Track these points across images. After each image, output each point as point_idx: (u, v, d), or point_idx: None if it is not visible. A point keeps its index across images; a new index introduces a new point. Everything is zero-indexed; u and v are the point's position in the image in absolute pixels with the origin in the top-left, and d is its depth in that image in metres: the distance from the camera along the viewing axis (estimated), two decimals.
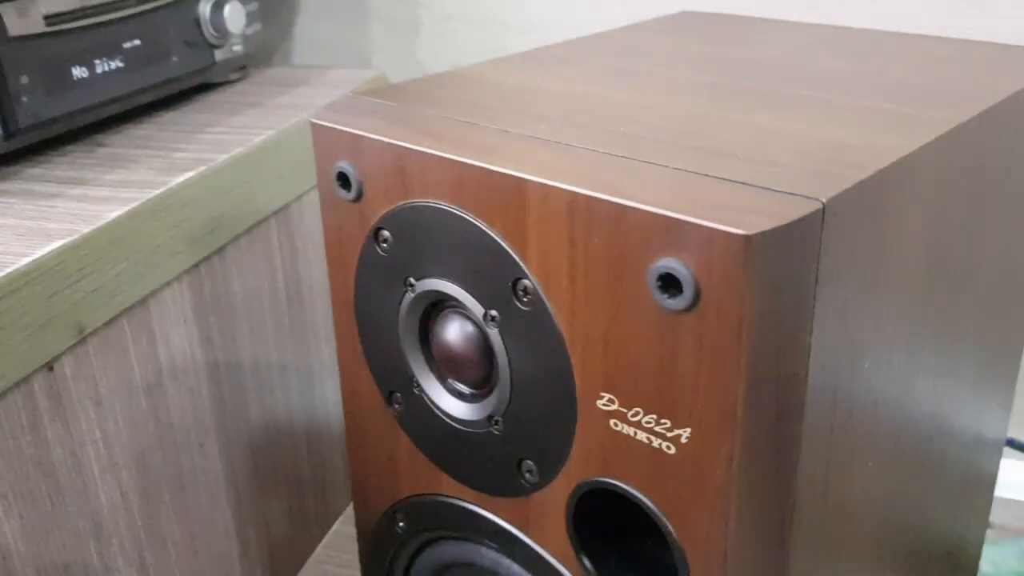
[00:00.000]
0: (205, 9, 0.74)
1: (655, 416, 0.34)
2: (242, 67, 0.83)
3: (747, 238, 0.29)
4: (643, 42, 0.55)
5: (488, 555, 0.44)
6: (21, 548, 0.46)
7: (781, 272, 0.31)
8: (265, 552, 0.68)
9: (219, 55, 0.76)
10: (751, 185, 0.32)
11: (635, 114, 0.41)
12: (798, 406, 0.34)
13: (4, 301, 0.43)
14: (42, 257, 0.45)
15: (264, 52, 1.00)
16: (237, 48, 0.78)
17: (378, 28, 0.98)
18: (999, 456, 0.60)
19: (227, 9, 0.74)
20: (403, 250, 0.41)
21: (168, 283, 0.55)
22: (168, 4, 0.69)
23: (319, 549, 0.77)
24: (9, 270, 0.44)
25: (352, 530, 0.79)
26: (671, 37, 0.56)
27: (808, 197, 0.31)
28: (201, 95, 0.77)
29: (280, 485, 0.70)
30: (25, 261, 0.45)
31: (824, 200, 0.31)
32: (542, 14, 0.91)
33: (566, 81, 0.46)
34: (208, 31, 0.74)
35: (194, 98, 0.76)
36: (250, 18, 0.79)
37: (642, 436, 0.34)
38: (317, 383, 0.74)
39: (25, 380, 0.45)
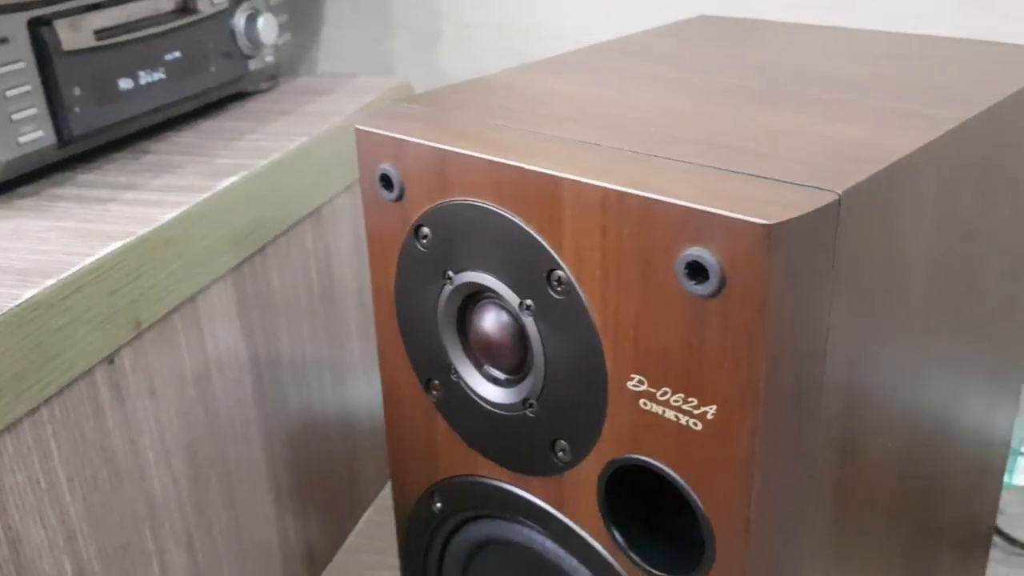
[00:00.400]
0: (240, 21, 0.77)
1: (682, 395, 0.36)
2: (273, 76, 0.86)
3: (768, 227, 0.32)
4: (663, 46, 0.58)
5: (522, 532, 0.47)
6: (85, 528, 0.49)
7: (800, 259, 0.33)
8: (302, 539, 0.71)
9: (252, 65, 0.79)
10: (771, 179, 0.35)
11: (659, 115, 0.44)
12: (816, 384, 0.36)
13: (71, 297, 0.46)
14: (104, 256, 0.49)
15: (292, 61, 1.03)
16: (269, 58, 0.82)
17: (400, 37, 1.01)
18: (1011, 430, 0.62)
19: (260, 21, 0.77)
20: (442, 245, 0.44)
21: (215, 281, 0.58)
22: (205, 18, 0.73)
23: (352, 538, 0.80)
24: (75, 268, 0.47)
25: (383, 519, 0.82)
26: (690, 41, 0.59)
27: (824, 189, 0.33)
28: (235, 104, 0.81)
29: (315, 474, 0.73)
30: (89, 260, 0.48)
31: (839, 192, 0.33)
32: (558, 20, 0.94)
33: (591, 85, 0.49)
34: (243, 42, 0.77)
35: (229, 106, 0.80)
36: (281, 29, 0.82)
37: (670, 414, 0.37)
38: (348, 377, 0.77)
39: (89, 371, 0.48)
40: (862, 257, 0.37)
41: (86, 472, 0.49)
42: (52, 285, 0.45)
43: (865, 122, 0.41)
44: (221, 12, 0.75)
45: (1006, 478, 0.81)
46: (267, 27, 0.78)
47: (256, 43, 0.78)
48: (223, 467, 0.61)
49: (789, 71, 0.51)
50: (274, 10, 0.82)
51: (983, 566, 0.65)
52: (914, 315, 0.43)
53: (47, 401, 0.46)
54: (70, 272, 0.46)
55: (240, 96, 0.82)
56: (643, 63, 0.54)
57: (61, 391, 0.46)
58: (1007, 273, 0.52)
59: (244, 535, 0.64)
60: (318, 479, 0.74)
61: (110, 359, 0.50)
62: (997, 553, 0.74)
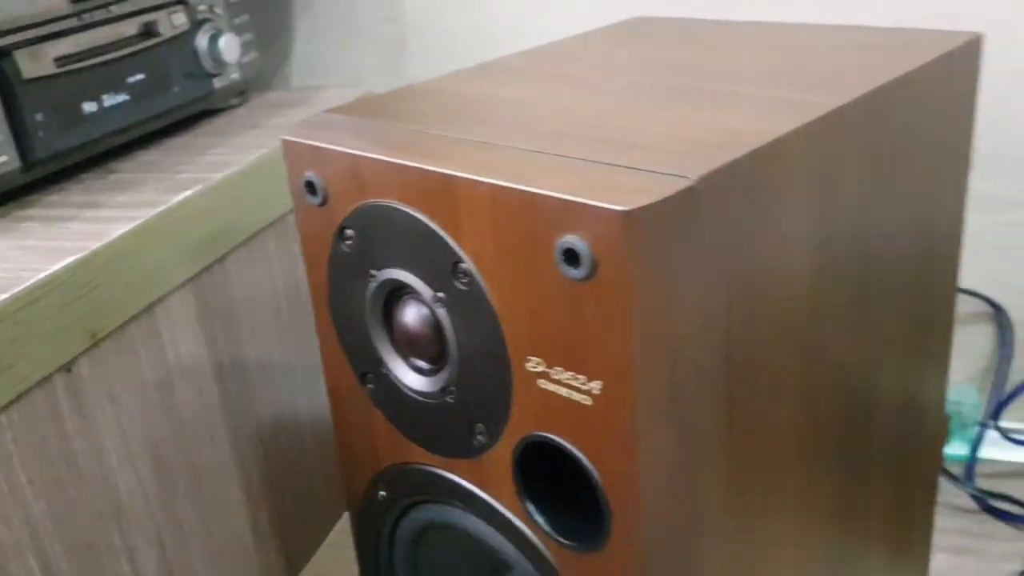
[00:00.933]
0: (202, 42, 0.80)
1: (572, 373, 0.39)
2: (241, 92, 0.89)
3: (626, 214, 0.34)
4: (590, 48, 0.60)
5: (456, 513, 0.49)
6: (50, 527, 0.52)
7: (661, 242, 0.36)
8: (278, 537, 0.74)
9: (217, 83, 0.82)
10: (640, 169, 0.37)
11: (562, 114, 0.46)
12: (694, 360, 0.39)
13: (24, 310, 0.49)
14: (56, 271, 0.52)
15: (264, 77, 1.06)
16: (234, 76, 0.85)
17: (370, 49, 1.04)
18: (942, 394, 0.63)
19: (222, 41, 0.81)
20: (364, 245, 0.46)
21: (172, 291, 0.61)
22: (168, 40, 0.76)
23: (333, 535, 0.83)
24: (27, 283, 0.50)
25: None
26: (618, 42, 0.62)
27: (681, 176, 0.36)
28: (205, 120, 0.84)
29: (290, 475, 0.76)
30: (41, 275, 0.51)
31: (694, 178, 0.36)
32: (523, 26, 0.96)
33: (512, 88, 0.52)
34: (206, 62, 0.81)
35: (198, 123, 0.83)
36: (245, 48, 0.86)
37: (564, 392, 0.40)
38: (320, 379, 0.80)
39: (47, 379, 0.51)
40: (734, 238, 0.39)
41: (48, 474, 0.52)
42: (4, 300, 0.48)
43: (749, 112, 0.43)
44: (183, 34, 0.78)
45: (963, 450, 0.82)
46: (229, 46, 0.82)
47: (219, 62, 0.81)
48: (190, 469, 0.64)
49: (701, 67, 0.53)
50: (237, 29, 0.85)
51: (928, 523, 0.67)
52: (804, 291, 0.45)
53: (5, 408, 0.49)
54: (21, 287, 0.50)
55: (210, 113, 0.85)
56: (567, 65, 0.56)
57: (19, 398, 0.50)
58: (912, 247, 0.54)
59: (216, 533, 0.67)
60: (294, 479, 0.77)
61: (67, 368, 0.53)
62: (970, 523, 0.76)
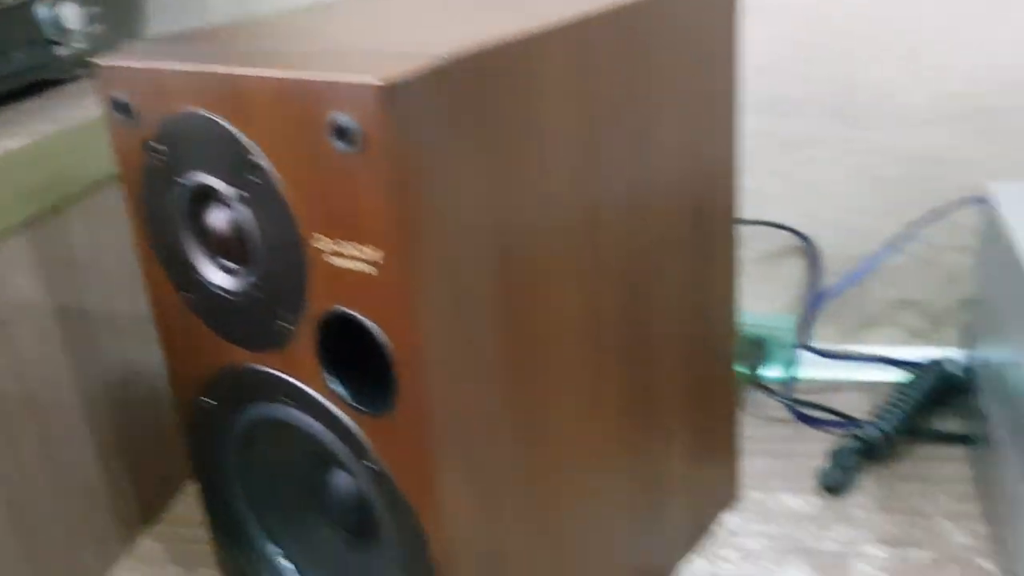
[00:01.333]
0: (42, 10, 0.82)
1: (355, 244, 0.43)
2: (88, 63, 0.91)
3: (381, 87, 0.39)
4: None
5: (278, 408, 0.53)
6: None
7: (419, 116, 0.40)
8: (133, 482, 0.76)
9: (61, 51, 0.84)
10: (401, 55, 0.42)
11: (353, 30, 0.50)
12: (465, 233, 0.44)
13: None
14: None
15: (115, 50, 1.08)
16: (79, 45, 0.87)
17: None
18: (731, 315, 0.70)
19: (62, 9, 0.83)
20: (171, 155, 0.50)
21: (7, 234, 0.63)
22: (7, 8, 0.78)
23: (192, 484, 0.85)
24: None
25: None
26: None
27: (436, 58, 0.41)
28: (52, 89, 0.86)
29: (143, 423, 0.78)
30: None
31: (444, 59, 0.41)
32: None
33: (317, 18, 0.56)
34: (47, 30, 0.82)
35: (45, 92, 0.85)
36: (92, 18, 0.87)
37: (351, 264, 0.44)
38: None
39: None
40: (497, 123, 0.44)
41: None
42: None
43: (514, 20, 0.48)
44: (22, 3, 0.80)
45: (780, 371, 0.90)
46: (69, 15, 0.84)
47: (61, 30, 0.83)
48: (33, 410, 0.65)
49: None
50: (82, 1, 0.87)
51: (731, 427, 0.73)
52: (572, 188, 0.50)
53: None
54: None
55: (57, 82, 0.87)
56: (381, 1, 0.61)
57: None
58: (681, 164, 0.60)
59: (64, 475, 0.68)
60: (147, 428, 0.78)
61: None
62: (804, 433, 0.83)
